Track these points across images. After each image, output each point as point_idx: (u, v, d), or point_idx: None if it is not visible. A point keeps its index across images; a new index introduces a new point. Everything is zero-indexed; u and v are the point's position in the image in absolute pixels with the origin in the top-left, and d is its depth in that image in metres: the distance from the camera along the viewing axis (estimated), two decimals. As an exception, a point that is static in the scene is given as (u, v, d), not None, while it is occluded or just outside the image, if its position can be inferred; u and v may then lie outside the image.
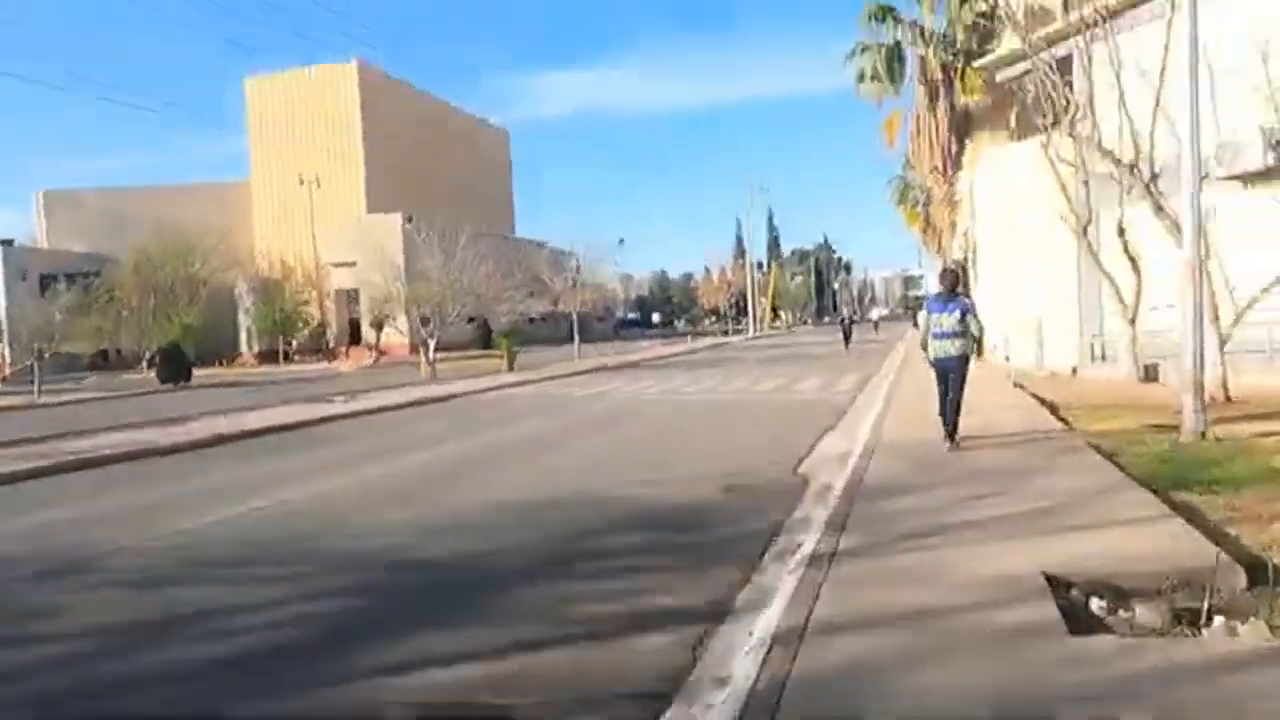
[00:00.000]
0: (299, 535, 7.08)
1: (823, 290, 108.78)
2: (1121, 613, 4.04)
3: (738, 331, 59.71)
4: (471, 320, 50.49)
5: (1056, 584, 4.33)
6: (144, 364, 49.27)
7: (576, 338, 35.10)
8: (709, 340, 52.07)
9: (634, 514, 7.32)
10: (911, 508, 6.40)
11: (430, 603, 5.22)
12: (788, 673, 3.52)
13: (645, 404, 16.89)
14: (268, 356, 55.11)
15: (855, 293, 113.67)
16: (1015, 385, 14.59)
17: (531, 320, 58.32)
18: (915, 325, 53.06)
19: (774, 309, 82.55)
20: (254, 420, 15.84)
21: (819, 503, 7.15)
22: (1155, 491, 6.19)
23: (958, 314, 8.78)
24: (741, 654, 3.93)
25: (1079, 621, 3.86)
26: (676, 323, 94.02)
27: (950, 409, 8.94)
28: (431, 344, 27.04)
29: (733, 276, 70.69)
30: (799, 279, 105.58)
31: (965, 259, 23.00)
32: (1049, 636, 3.67)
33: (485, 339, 53.57)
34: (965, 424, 9.28)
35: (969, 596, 4.25)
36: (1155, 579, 4.32)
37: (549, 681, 3.94)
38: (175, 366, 32.60)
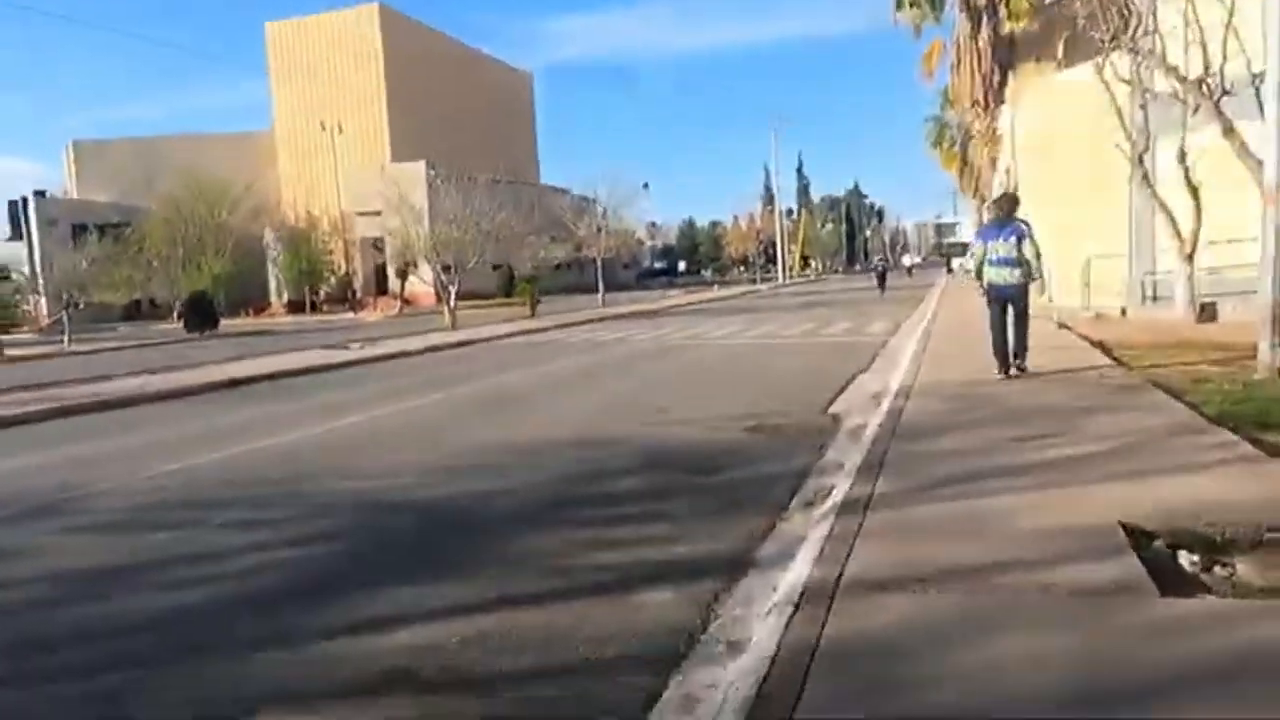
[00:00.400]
0: (291, 476, 6.61)
1: (853, 237, 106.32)
2: (1218, 569, 3.38)
3: (766, 280, 58.45)
4: (497, 268, 49.92)
5: (1136, 536, 3.66)
6: (175, 314, 49.67)
7: (601, 284, 34.38)
8: (737, 289, 51.03)
9: (652, 455, 6.74)
10: (955, 449, 5.73)
11: (422, 549, 4.71)
12: (816, 639, 2.92)
13: (669, 349, 16.24)
14: (296, 306, 55.16)
15: (887, 240, 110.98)
16: (1060, 326, 13.69)
17: (556, 267, 57.62)
18: (949, 270, 51.81)
19: (803, 257, 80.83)
20: (267, 365, 15.47)
21: (852, 444, 6.51)
22: (1235, 431, 5.45)
23: (1014, 240, 8.28)
24: (761, 615, 3.34)
25: (1169, 580, 3.20)
26: (704, 271, 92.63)
27: (1016, 341, 8.57)
28: (452, 291, 26.48)
29: (761, 224, 68.99)
30: (829, 226, 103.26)
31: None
32: (1134, 597, 3.02)
33: (509, 287, 53.08)
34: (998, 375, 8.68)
35: (1030, 550, 3.60)
36: (1255, 530, 3.63)
37: (540, 643, 3.39)
38: (201, 315, 32.51)
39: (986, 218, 15.96)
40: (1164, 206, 13.39)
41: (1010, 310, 8.52)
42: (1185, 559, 3.45)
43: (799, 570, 3.71)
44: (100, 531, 5.35)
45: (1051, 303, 15.59)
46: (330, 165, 60.20)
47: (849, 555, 3.74)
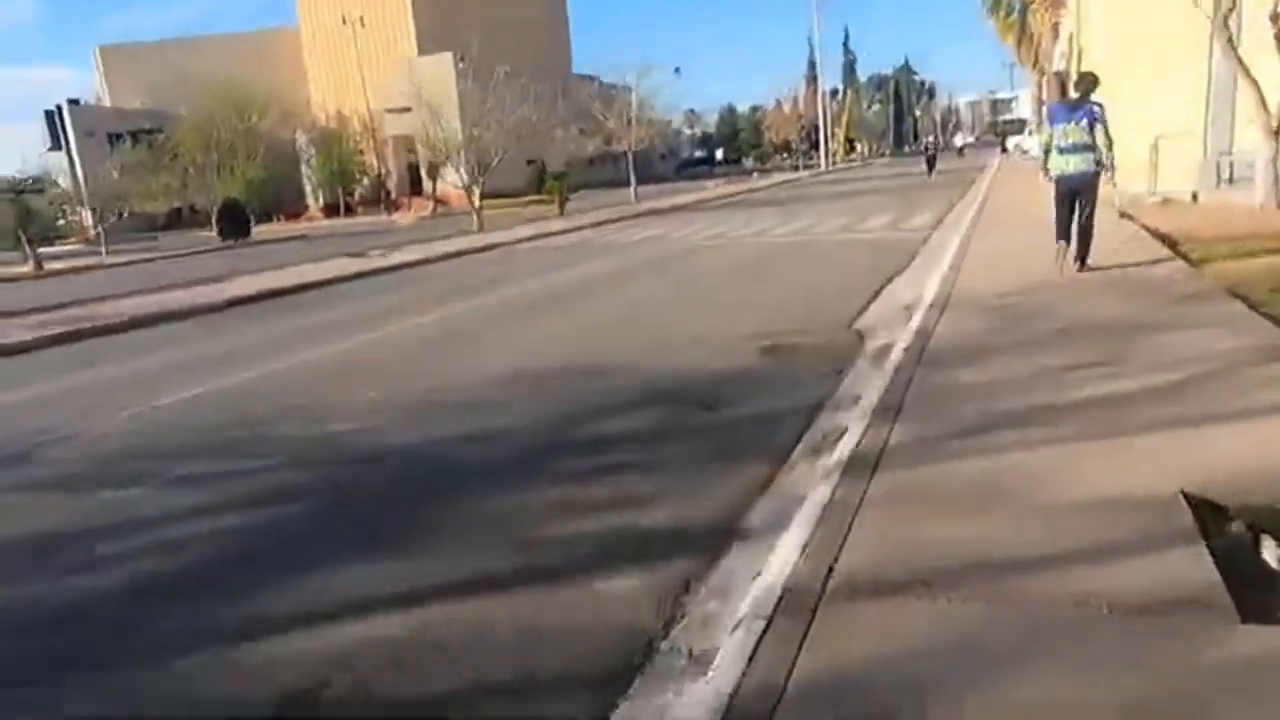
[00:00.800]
0: (266, 417, 6.16)
1: (902, 118, 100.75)
2: (1314, 566, 2.67)
3: (809, 167, 55.85)
4: (531, 163, 48.39)
5: (1204, 512, 2.95)
6: (214, 222, 49.86)
7: (633, 179, 32.99)
8: (777, 177, 48.84)
9: (651, 385, 6.11)
10: (988, 382, 4.98)
11: (383, 514, 4.22)
12: (787, 674, 2.33)
13: (693, 250, 15.36)
14: (332, 209, 54.75)
15: (937, 120, 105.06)
16: (1122, 215, 12.43)
17: (591, 162, 55.82)
18: (1003, 150, 48.65)
19: (849, 140, 77.03)
20: (278, 279, 15.07)
21: (874, 371, 5.79)
22: (1330, 358, 4.59)
23: (1085, 123, 7.57)
24: (732, 623, 2.76)
25: (1250, 583, 2.51)
26: (745, 160, 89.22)
27: (1080, 234, 7.98)
28: (477, 192, 25.57)
29: (804, 107, 65.40)
30: (876, 107, 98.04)
31: (1066, 71, 19.77)
32: (1202, 621, 2.35)
33: (540, 183, 51.79)
34: (1056, 266, 8.27)
35: (1068, 536, 2.92)
36: (1362, 508, 2.89)
37: (475, 649, 2.89)
38: (234, 222, 32.28)
39: (1047, 93, 14.55)
40: (1249, 74, 11.78)
41: (1078, 203, 7.86)
42: (1272, 552, 2.74)
43: (785, 555, 3.10)
44: (48, 489, 4.98)
45: (1115, 188, 14.23)
46: (355, 61, 58.43)
47: (846, 537, 3.11)
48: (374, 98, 57.07)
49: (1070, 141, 7.68)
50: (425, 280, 14.36)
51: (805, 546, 3.11)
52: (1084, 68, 19.42)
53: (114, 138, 54.15)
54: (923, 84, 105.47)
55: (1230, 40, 12.06)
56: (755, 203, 27.54)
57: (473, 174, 25.36)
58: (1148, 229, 10.87)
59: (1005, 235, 12.10)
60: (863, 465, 3.84)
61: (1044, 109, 10.16)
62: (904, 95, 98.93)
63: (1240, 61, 11.97)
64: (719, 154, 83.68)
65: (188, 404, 6.77)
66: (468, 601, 3.25)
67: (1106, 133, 7.60)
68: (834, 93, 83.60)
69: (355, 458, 5.09)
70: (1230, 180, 14.00)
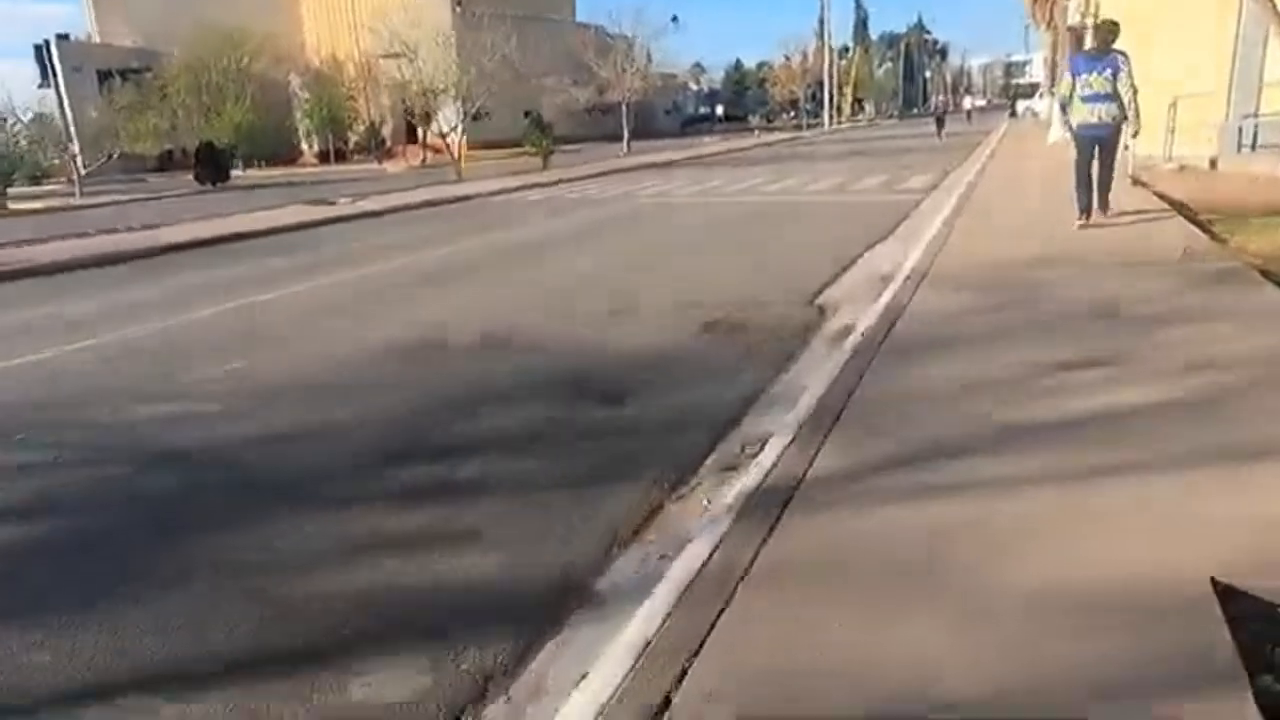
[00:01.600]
0: (75, 394, 5.07)
1: (913, 78, 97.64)
2: None
3: (813, 126, 53.84)
4: (528, 114, 46.53)
5: (1249, 626, 1.87)
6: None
7: (626, 132, 31.41)
8: (779, 135, 47.09)
9: (553, 369, 5.01)
10: (957, 382, 3.87)
11: (140, 546, 3.15)
12: None
13: (668, 208, 14.12)
14: (326, 156, 53.10)
15: (948, 81, 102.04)
16: (1135, 183, 11.17)
17: (590, 113, 53.98)
18: (1012, 114, 46.67)
19: (857, 100, 74.57)
20: (222, 227, 13.88)
21: (825, 359, 4.68)
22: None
23: (1109, 73, 7.33)
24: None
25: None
26: (751, 117, 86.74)
27: (1100, 185, 7.79)
28: (453, 141, 24.17)
29: (812, 63, 62.96)
30: (887, 66, 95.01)
31: (1082, 25, 18.22)
32: None
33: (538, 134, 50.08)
34: (1058, 236, 7.45)
35: (1038, 661, 1.85)
36: None
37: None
38: (211, 166, 30.85)
39: (1062, 50, 13.87)
40: (1285, 28, 10.41)
41: (1098, 152, 7.63)
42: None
43: (609, 673, 2.03)
44: None
45: (1127, 150, 12.92)
46: (350, 4, 56.30)
47: (701, 646, 2.03)
48: (371, 42, 55.07)
49: (1093, 90, 7.40)
50: (377, 231, 13.15)
51: (649, 653, 2.03)
52: (1101, 16, 17.92)
53: (103, 75, 52.46)
54: (935, 44, 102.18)
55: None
56: (750, 160, 26.05)
57: (453, 121, 23.93)
58: (1163, 197, 9.63)
59: (1004, 199, 10.88)
60: (769, 504, 2.76)
61: (1067, 61, 9.44)
62: (915, 56, 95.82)
63: (1276, 9, 10.59)
64: (719, 110, 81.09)
65: (15, 371, 5.67)
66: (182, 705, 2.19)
67: (1132, 83, 7.29)
68: (846, 50, 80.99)
69: (160, 456, 4.00)
70: (1253, 146, 12.68)
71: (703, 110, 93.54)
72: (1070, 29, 18.78)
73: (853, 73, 70.26)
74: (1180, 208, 8.80)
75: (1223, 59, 13.02)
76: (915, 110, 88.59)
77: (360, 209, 15.91)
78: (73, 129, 47.96)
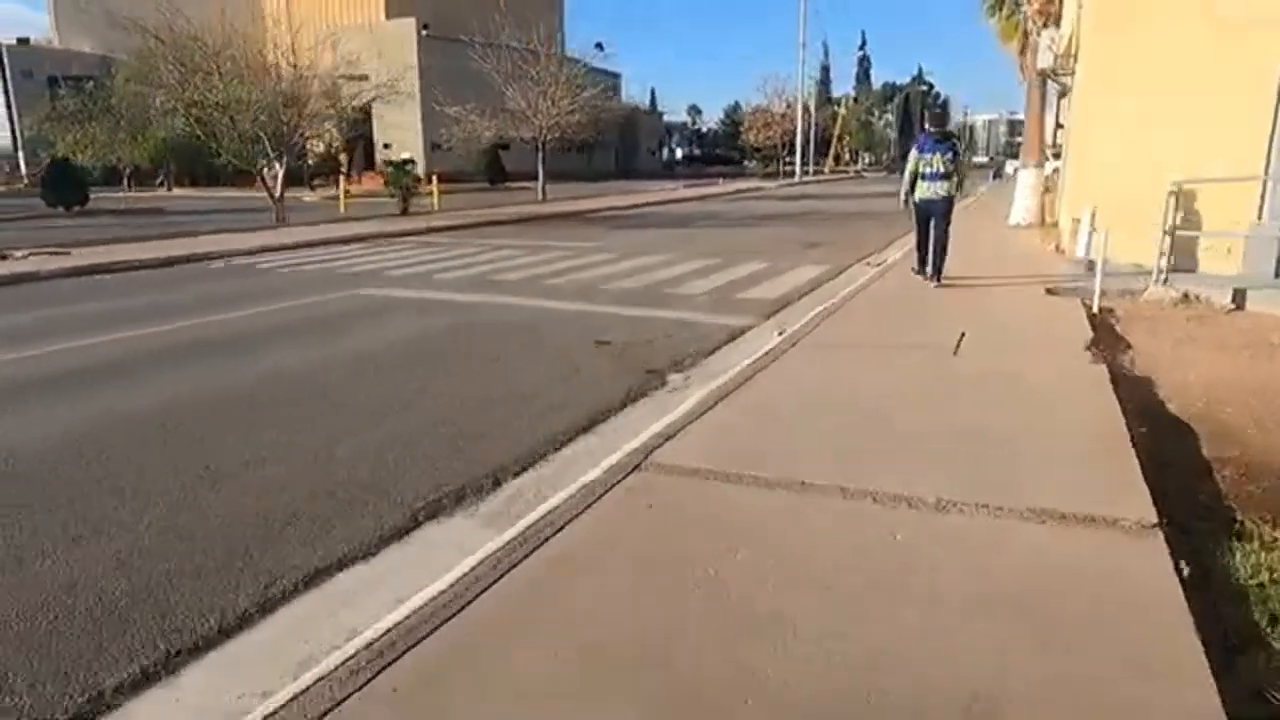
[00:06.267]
0: None
1: (909, 130, 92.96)
2: None
3: (787, 174, 48.82)
4: (504, 147, 41.27)
5: None
6: (157, 180, 45.27)
7: (542, 173, 26.28)
8: (741, 185, 41.83)
9: None
10: None
11: None
12: None
13: (378, 314, 9.01)
14: (297, 177, 48.64)
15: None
16: (1094, 321, 5.93)
17: (570, 149, 49.32)
18: (996, 176, 41.31)
19: (838, 153, 69.61)
20: None
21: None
22: None
23: (950, 155, 8.15)
24: None
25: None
26: (748, 162, 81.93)
27: (936, 251, 8.47)
28: (278, 171, 19.27)
29: (790, 109, 58.08)
30: (887, 117, 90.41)
31: (1055, 67, 12.99)
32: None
33: (496, 169, 45.41)
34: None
35: None
36: None
37: None
38: (62, 187, 25.97)
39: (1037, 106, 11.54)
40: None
41: (933, 223, 8.39)
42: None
43: None
44: None
45: (1092, 268, 7.64)
46: (321, 18, 52.44)
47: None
48: (333, 61, 50.83)
49: (935, 169, 8.12)
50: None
51: None
52: (1076, 66, 12.80)
53: (53, 82, 48.59)
54: (937, 97, 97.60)
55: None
56: (646, 222, 19.96)
57: (271, 150, 18.98)
58: (1145, 383, 4.36)
59: (881, 331, 5.65)
60: None
61: (915, 141, 8.62)
62: (912, 108, 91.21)
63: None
64: (679, 153, 76.28)
65: None
66: None
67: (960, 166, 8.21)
68: (838, 101, 76.51)
69: None
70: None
71: (696, 152, 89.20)
72: (1041, 73, 13.67)
73: (838, 124, 65.47)
74: (1182, 435, 3.55)
75: (1257, 133, 7.81)
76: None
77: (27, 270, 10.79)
78: (19, 136, 43.54)
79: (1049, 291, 8.30)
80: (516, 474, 3.92)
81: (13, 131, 50.27)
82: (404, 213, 20.38)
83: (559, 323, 7.72)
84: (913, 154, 8.34)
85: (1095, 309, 7.22)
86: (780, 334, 6.92)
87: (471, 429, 4.58)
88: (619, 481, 3.44)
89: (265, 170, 20.22)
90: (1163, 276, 8.02)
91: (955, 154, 8.15)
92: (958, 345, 5.93)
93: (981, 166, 60.74)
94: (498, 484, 3.81)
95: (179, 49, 20.33)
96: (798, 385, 5.00)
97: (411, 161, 24.80)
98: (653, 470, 3.58)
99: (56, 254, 12.26)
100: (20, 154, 48.86)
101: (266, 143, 18.77)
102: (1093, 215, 7.43)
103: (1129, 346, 6.16)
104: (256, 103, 19.49)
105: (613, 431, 4.47)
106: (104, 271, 11.47)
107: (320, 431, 4.58)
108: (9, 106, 51.77)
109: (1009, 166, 41.06)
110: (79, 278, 11.02)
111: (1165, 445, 3.93)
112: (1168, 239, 7.99)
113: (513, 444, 4.29)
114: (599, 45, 28.68)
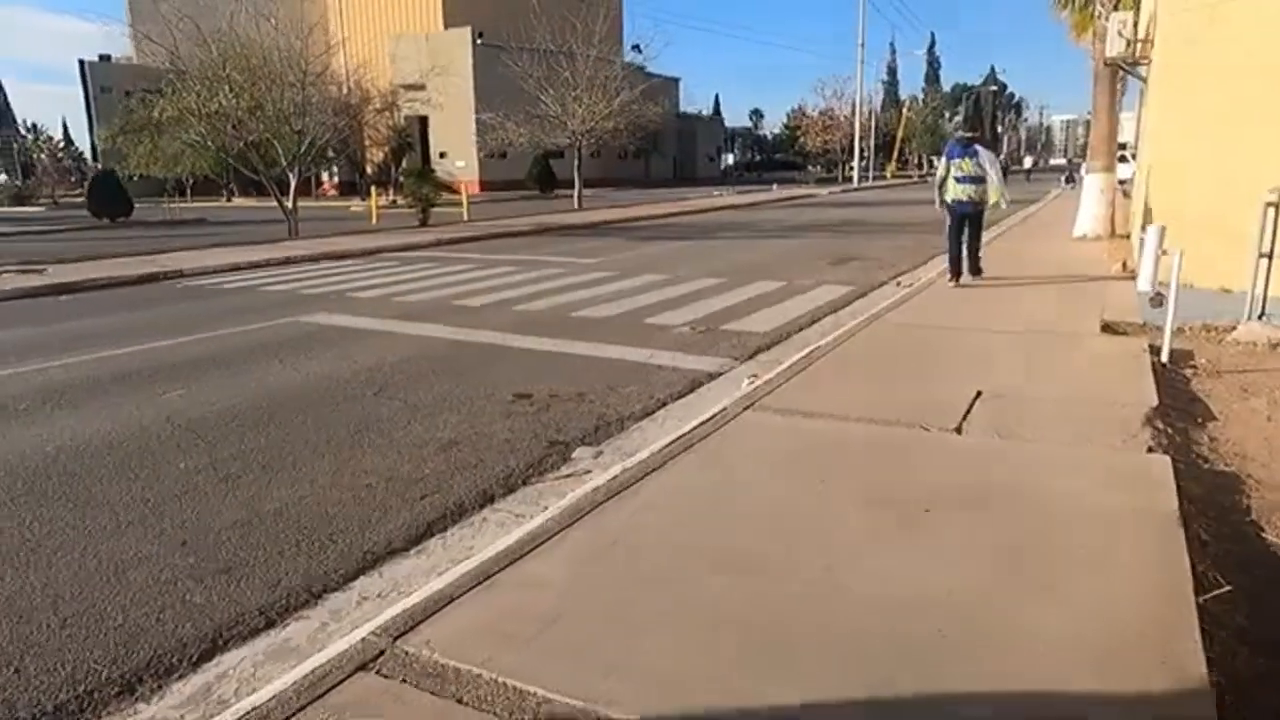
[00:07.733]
0: None
1: (982, 133, 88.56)
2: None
3: (848, 179, 46.41)
4: (550, 155, 40.34)
5: None
6: (223, 191, 46.29)
7: (578, 182, 25.09)
8: (794, 192, 39.70)
9: None
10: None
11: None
12: None
13: (335, 342, 7.85)
14: (354, 187, 49.01)
15: (1023, 137, 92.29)
16: (1150, 418, 4.22)
17: (622, 156, 48.06)
18: (1069, 180, 38.21)
19: (903, 157, 66.43)
20: None
21: None
22: None
23: (976, 159, 8.36)
24: None
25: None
26: (812, 168, 79.22)
27: (969, 253, 8.69)
28: (291, 182, 18.55)
29: (881, 112, 55.55)
30: (957, 119, 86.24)
31: (1126, 58, 10.88)
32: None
33: (546, 176, 44.51)
34: None
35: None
36: None
37: None
38: (106, 198, 26.16)
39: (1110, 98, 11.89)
40: None
41: (967, 224, 8.59)
42: None
43: None
44: None
45: (1163, 303, 5.85)
46: (380, 27, 52.99)
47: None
48: (393, 71, 50.97)
49: (965, 173, 8.39)
50: None
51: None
52: (1153, 53, 10.77)
53: (129, 95, 50.17)
54: (1011, 97, 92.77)
55: None
56: (672, 232, 18.17)
57: (287, 161, 18.26)
58: (1217, 492, 2.71)
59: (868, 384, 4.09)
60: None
61: (944, 148, 8.71)
62: (984, 109, 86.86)
63: None
64: (729, 159, 74.05)
65: None
66: None
67: (998, 169, 8.46)
68: (904, 101, 73.25)
69: None
70: None
71: (756, 157, 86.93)
72: (1110, 63, 11.63)
73: (900, 126, 62.46)
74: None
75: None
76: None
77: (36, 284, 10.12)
78: (96, 148, 45.01)
79: (1105, 328, 6.53)
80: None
81: (91, 145, 52.26)
82: (423, 224, 19.43)
83: (491, 363, 6.37)
84: (943, 160, 8.68)
85: (1165, 357, 5.45)
86: (750, 382, 5.43)
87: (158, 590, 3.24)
88: None
89: (288, 178, 19.60)
90: (1259, 310, 6.16)
91: (980, 157, 8.36)
92: (964, 416, 4.32)
93: (1058, 169, 56.79)
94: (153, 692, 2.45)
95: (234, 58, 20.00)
96: (701, 499, 3.43)
97: (429, 172, 23.86)
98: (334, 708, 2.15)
99: (27, 271, 11.60)
100: (99, 166, 50.73)
101: (281, 154, 18.03)
102: (1161, 234, 5.63)
103: (1210, 416, 4.43)
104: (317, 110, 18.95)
105: (375, 594, 2.98)
106: (66, 291, 10.72)
107: None
108: (90, 120, 54.02)
109: (1084, 169, 37.83)
110: (35, 299, 10.26)
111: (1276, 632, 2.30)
112: (1264, 261, 6.13)
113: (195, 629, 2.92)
114: (636, 47, 27.30)
